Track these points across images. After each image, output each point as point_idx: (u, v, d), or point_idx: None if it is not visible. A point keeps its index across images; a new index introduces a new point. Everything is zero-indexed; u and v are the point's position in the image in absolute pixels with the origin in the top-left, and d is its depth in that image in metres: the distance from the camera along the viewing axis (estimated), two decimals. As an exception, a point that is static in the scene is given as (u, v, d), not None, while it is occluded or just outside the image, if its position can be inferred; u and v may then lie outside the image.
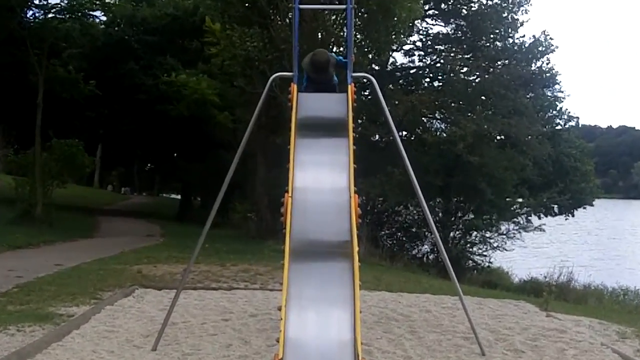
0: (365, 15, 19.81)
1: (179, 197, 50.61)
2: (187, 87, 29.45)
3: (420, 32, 29.22)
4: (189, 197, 44.55)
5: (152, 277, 12.86)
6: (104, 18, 32.98)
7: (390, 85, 27.63)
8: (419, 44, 29.57)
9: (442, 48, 29.37)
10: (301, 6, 8.31)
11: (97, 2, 25.87)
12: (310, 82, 7.81)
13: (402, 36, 22.40)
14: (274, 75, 8.12)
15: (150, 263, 14.95)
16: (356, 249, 5.56)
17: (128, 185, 75.16)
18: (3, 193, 25.67)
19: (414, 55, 29.73)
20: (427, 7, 26.47)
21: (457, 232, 28.24)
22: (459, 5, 28.49)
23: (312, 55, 7.65)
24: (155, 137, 37.04)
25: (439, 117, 28.59)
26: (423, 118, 27.87)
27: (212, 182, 30.14)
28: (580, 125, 39.76)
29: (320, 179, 6.33)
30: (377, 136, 26.42)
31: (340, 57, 8.07)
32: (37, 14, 25.87)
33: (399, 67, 30.15)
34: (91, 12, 27.11)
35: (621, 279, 24.33)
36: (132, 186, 74.58)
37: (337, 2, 19.63)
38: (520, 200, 28.71)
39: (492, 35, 28.07)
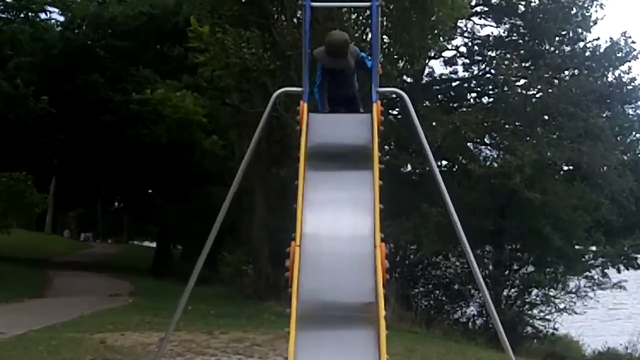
0: (395, 13, 19.94)
1: (154, 245, 50.75)
2: (167, 105, 29.53)
3: (465, 34, 29.52)
4: (167, 245, 44.62)
5: (119, 348, 12.83)
6: (62, 18, 33.31)
7: (427, 102, 27.81)
8: (463, 49, 29.84)
9: (493, 54, 29.57)
10: (313, 4, 8.39)
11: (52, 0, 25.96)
12: (326, 76, 7.90)
13: (441, 40, 22.57)
14: (278, 91, 8.22)
15: (117, 330, 14.92)
16: (383, 313, 5.55)
17: (89, 230, 75.32)
18: None
19: (457, 63, 29.98)
20: (474, 2, 26.60)
21: (513, 290, 28.06)
22: (514, 1, 28.67)
23: (327, 37, 7.80)
24: (125, 168, 37.25)
25: (488, 142, 28.68)
26: (468, 143, 27.96)
27: (197, 226, 30.28)
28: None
29: (337, 223, 6.35)
30: (409, 167, 26.55)
31: (364, 54, 8.14)
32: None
33: (438, 78, 30.37)
34: (45, 11, 27.16)
35: None
36: (95, 231, 74.76)
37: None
38: (593, 248, 28.46)
39: (557, 38, 28.20)
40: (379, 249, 6.02)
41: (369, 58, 7.98)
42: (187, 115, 29.10)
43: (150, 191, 42.33)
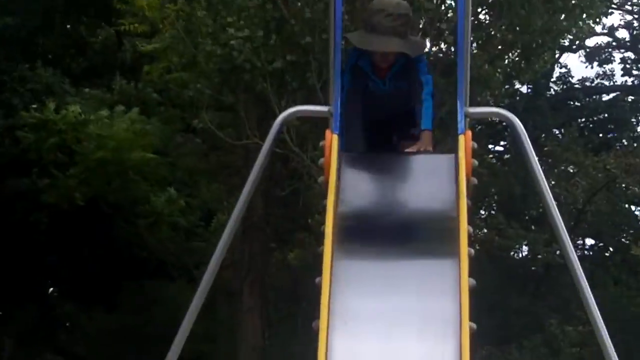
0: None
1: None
2: (85, 133, 29.47)
3: (628, 4, 29.59)
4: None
5: None
6: None
7: (558, 131, 27.85)
8: (623, 33, 29.92)
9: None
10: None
11: None
12: (360, 76, 8.01)
13: (585, 16, 22.54)
14: (287, 111, 8.32)
15: None
16: None
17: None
18: None
19: (613, 59, 30.01)
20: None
21: None
22: None
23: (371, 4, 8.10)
24: (6, 250, 37.43)
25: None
26: (634, 208, 27.94)
27: (133, 355, 30.28)
28: None
29: (392, 357, 6.37)
30: (524, 249, 26.48)
31: (425, 65, 8.21)
32: None
33: (577, 87, 30.41)
34: None
35: None
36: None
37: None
38: None
39: None
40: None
41: (427, 68, 8.06)
42: (119, 153, 28.95)
43: (50, 290, 42.51)
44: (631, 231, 27.82)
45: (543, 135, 25.81)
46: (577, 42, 27.38)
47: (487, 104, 10.59)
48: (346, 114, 7.84)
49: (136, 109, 28.25)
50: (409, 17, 7.77)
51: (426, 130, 7.81)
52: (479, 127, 20.60)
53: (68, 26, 35.27)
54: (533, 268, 27.05)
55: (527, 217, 25.14)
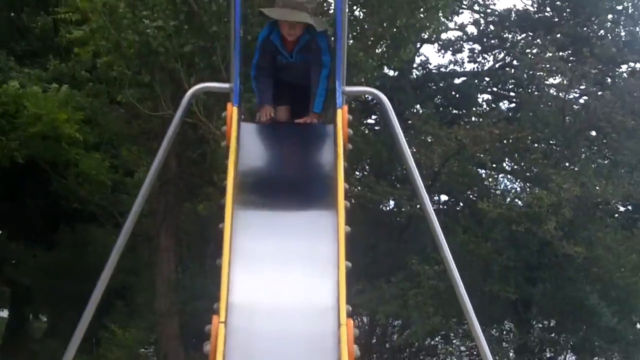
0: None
1: (4, 314, 50.36)
2: (24, 105, 29.27)
3: (476, 6, 29.72)
4: (25, 315, 44.30)
5: None
6: None
7: (418, 108, 27.93)
8: (471, 28, 30.07)
9: (516, 38, 29.82)
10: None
11: None
12: (271, 50, 8.02)
13: (440, 14, 22.69)
14: (195, 87, 8.33)
15: None
16: None
17: None
18: None
19: (463, 50, 30.19)
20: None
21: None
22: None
23: None
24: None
25: (509, 169, 28.81)
26: (479, 170, 28.09)
27: (70, 287, 30.08)
28: None
29: (282, 289, 6.39)
30: (391, 203, 26.53)
31: (324, 39, 8.22)
32: None
33: (434, 72, 30.51)
34: None
35: None
36: None
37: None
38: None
39: (610, 17, 28.54)
40: (344, 328, 6.06)
41: (329, 47, 8.08)
42: (52, 127, 28.73)
43: (0, 232, 42.00)
44: (476, 189, 27.98)
45: (407, 111, 25.83)
46: (435, 35, 27.49)
47: (361, 85, 10.62)
48: (259, 77, 7.90)
49: (66, 86, 28.10)
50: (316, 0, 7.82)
51: (315, 112, 7.86)
52: (355, 103, 20.52)
53: (12, 14, 34.93)
54: (398, 219, 27.13)
55: (393, 177, 25.13)
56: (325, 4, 19.67)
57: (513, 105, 29.44)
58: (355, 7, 20.13)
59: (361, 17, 20.69)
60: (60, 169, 30.64)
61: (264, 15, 8.14)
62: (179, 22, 20.18)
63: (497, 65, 30.30)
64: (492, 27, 30.07)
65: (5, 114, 29.03)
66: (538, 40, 28.80)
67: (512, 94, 29.89)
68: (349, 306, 6.18)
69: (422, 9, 21.11)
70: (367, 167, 24.39)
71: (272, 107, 7.95)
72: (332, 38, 8.22)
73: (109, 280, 8.16)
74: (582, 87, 27.80)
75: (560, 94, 27.88)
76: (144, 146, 23.88)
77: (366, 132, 23.48)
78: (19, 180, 33.52)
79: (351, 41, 18.45)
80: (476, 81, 30.45)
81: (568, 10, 28.87)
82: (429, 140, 25.24)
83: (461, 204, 27.18)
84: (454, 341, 27.78)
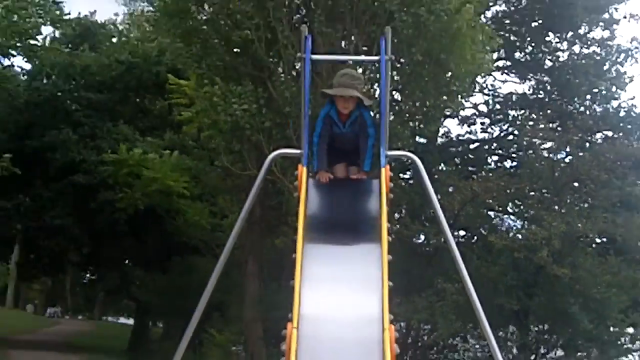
0: (407, 67, 20.10)
1: (130, 322, 50.51)
2: (145, 167, 29.50)
3: (485, 90, 29.68)
4: (146, 323, 44.47)
5: None
6: (28, 66, 33.09)
7: (442, 166, 27.93)
8: (482, 107, 30.01)
9: (517, 114, 29.75)
10: (314, 57, 8.53)
11: (16, 44, 25.41)
12: (329, 122, 8.01)
13: (459, 97, 22.60)
14: (274, 153, 8.39)
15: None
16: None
17: (56, 304, 75.02)
18: None
19: (476, 123, 30.14)
20: (495, 56, 26.68)
21: (540, 377, 28.00)
22: (540, 55, 28.97)
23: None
24: (98, 235, 36.93)
25: (511, 211, 28.69)
26: (489, 212, 28.00)
27: (180, 302, 30.17)
28: None
29: (340, 303, 6.42)
30: (422, 238, 26.48)
31: (370, 116, 8.22)
32: None
33: (455, 140, 30.49)
34: (8, 56, 26.58)
35: None
36: (63, 306, 74.43)
37: (363, 52, 19.82)
38: (631, 330, 28.38)
39: (588, 97, 28.46)
40: (387, 332, 6.07)
41: (373, 122, 8.09)
42: (165, 186, 28.96)
43: (126, 261, 42.15)
44: (486, 226, 27.89)
45: (433, 169, 25.86)
46: (455, 112, 27.41)
47: (399, 149, 10.72)
48: (319, 144, 7.92)
49: (176, 152, 28.45)
50: (362, 82, 7.84)
51: (365, 170, 7.88)
52: (394, 163, 20.51)
53: (137, 99, 35.17)
54: (427, 249, 27.05)
55: (423, 218, 24.99)
56: (371, 90, 19.70)
57: (515, 164, 29.24)
58: (394, 92, 20.15)
59: (399, 99, 20.67)
60: (172, 214, 30.93)
61: (325, 95, 8.12)
62: (260, 105, 20.23)
63: (502, 134, 30.20)
64: (498, 105, 30.04)
65: (132, 173, 29.43)
66: (533, 115, 28.87)
67: (513, 155, 29.73)
68: (390, 315, 6.18)
69: (445, 93, 21.05)
70: (403, 211, 24.29)
71: (328, 171, 7.97)
72: (377, 115, 8.25)
73: (209, 297, 8.22)
74: (567, 150, 27.71)
75: (551, 155, 27.90)
76: (235, 197, 23.93)
77: (403, 184, 23.37)
78: (141, 222, 33.75)
79: (392, 117, 18.44)
80: (486, 146, 30.46)
81: (555, 92, 28.77)
82: (450, 190, 25.18)
83: (475, 238, 27.04)
84: (470, 340, 27.68)
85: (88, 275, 58.87)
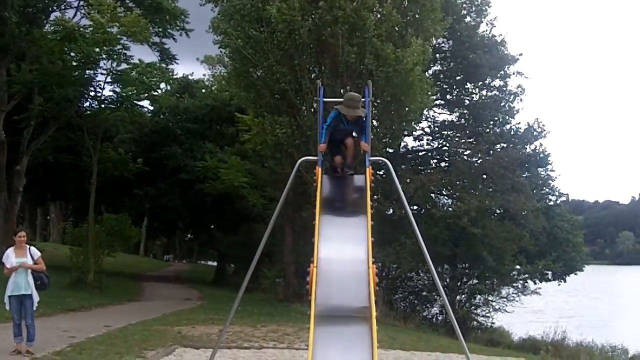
0: (381, 105, 20.01)
1: (215, 264, 50.46)
2: (220, 168, 29.98)
3: (429, 119, 29.48)
4: (224, 265, 44.40)
5: (191, 337, 12.76)
6: (151, 108, 33.63)
7: (403, 166, 27.75)
8: (427, 129, 29.80)
9: (448, 133, 29.56)
10: (325, 100, 8.52)
11: (145, 95, 26.15)
12: (336, 121, 7.72)
13: (413, 123, 22.55)
14: (301, 159, 8.27)
15: (189, 324, 14.84)
16: (374, 313, 5.54)
17: (170, 253, 75.09)
18: (60, 261, 25.78)
19: (423, 139, 29.94)
20: (434, 97, 26.67)
21: (463, 296, 27.88)
22: (462, 96, 28.95)
23: (345, 94, 7.89)
24: (195, 211, 37.02)
25: (445, 194, 28.55)
26: (432, 195, 27.83)
27: (244, 251, 30.22)
28: (570, 200, 39.53)
29: (343, 251, 6.37)
30: (391, 210, 26.27)
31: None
32: (92, 105, 26.34)
33: (410, 150, 30.32)
34: (139, 103, 27.34)
35: (611, 337, 23.63)
36: (174, 254, 74.51)
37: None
38: (518, 267, 28.34)
39: (491, 122, 28.36)
40: (371, 269, 6.03)
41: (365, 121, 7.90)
42: (232, 183, 29.33)
43: (212, 227, 42.03)
44: (430, 203, 27.66)
45: (398, 168, 25.70)
46: (411, 132, 27.22)
47: (377, 155, 10.78)
48: (325, 129, 7.70)
49: (238, 157, 28.64)
50: (360, 100, 7.65)
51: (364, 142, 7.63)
52: (374, 165, 20.44)
53: (218, 127, 35.33)
54: (394, 217, 26.32)
55: (392, 198, 24.84)
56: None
57: (447, 164, 29.06)
58: (373, 120, 20.02)
59: (377, 125, 20.48)
60: (239, 198, 30.92)
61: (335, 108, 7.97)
62: (292, 130, 20.19)
63: (439, 146, 30.00)
64: (436, 128, 29.84)
65: (214, 173, 29.56)
66: (458, 134, 28.69)
67: (446, 159, 29.52)
68: (373, 258, 6.14)
69: (404, 121, 20.97)
70: (379, 194, 24.09)
71: (338, 157, 7.76)
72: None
73: (262, 249, 8.18)
74: (479, 155, 27.61)
75: (469, 159, 27.76)
76: (277, 186, 23.87)
77: (379, 178, 23.23)
78: (220, 203, 33.78)
79: (372, 136, 18.46)
80: (430, 154, 30.30)
81: (472, 120, 28.63)
82: (408, 181, 25.01)
83: (423, 210, 26.83)
84: (420, 274, 27.50)
85: (189, 235, 58.91)
